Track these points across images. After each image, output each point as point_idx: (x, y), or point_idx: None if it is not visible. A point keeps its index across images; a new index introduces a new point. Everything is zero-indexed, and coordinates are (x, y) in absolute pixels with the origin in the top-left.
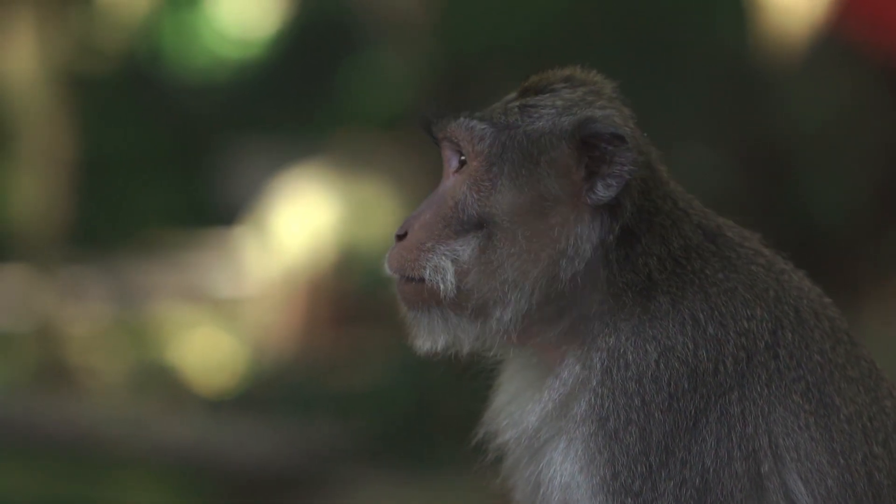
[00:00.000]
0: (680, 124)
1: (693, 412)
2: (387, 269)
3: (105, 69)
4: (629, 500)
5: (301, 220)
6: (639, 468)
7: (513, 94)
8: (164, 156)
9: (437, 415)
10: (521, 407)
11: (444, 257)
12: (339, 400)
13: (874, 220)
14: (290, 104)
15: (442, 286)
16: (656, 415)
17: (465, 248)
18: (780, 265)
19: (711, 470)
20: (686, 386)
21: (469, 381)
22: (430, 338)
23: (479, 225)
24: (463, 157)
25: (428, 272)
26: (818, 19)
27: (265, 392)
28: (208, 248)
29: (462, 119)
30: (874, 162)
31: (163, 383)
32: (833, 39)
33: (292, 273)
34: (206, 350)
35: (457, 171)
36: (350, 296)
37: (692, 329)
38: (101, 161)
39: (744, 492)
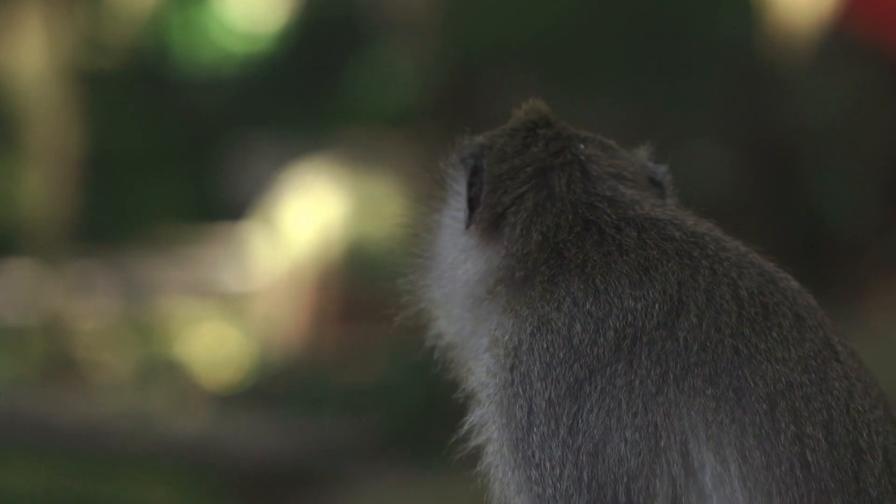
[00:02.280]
0: (688, 122)
1: (573, 381)
2: None
3: (112, 65)
4: (533, 471)
5: (308, 216)
6: (533, 438)
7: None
8: (172, 151)
9: (444, 410)
10: None
11: None
12: (347, 395)
13: (882, 217)
14: (297, 99)
15: None
16: (536, 384)
17: None
18: (718, 252)
19: (600, 437)
20: (562, 355)
21: None
22: None
23: None
24: None
25: None
26: (825, 16)
27: (272, 387)
28: (216, 243)
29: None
30: (882, 159)
31: (170, 378)
32: (840, 36)
33: (300, 268)
34: (214, 345)
35: None
36: (357, 291)
37: (569, 306)
38: (109, 156)
39: (640, 457)
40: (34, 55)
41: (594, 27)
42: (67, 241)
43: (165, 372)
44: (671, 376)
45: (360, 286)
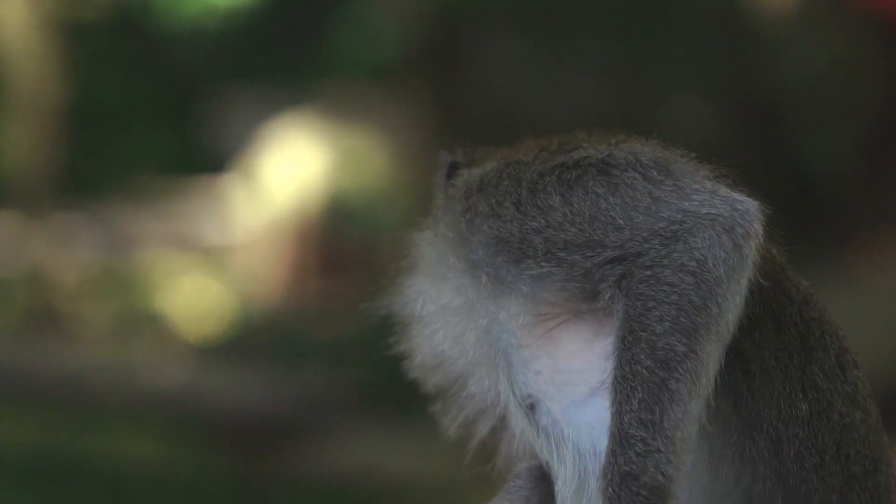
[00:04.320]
0: (672, 77)
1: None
2: None
3: (95, 16)
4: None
5: (290, 169)
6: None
7: None
8: (154, 103)
9: None
10: None
11: None
12: (328, 348)
13: (865, 171)
14: (279, 53)
15: None
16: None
17: None
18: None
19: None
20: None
21: None
22: None
23: None
24: None
25: None
26: None
27: (253, 340)
28: (197, 196)
29: None
30: (865, 113)
31: (151, 331)
32: None
33: (281, 221)
34: (195, 298)
35: None
36: (339, 244)
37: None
38: (91, 108)
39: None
40: (17, 6)
41: None
42: (49, 194)
43: (147, 324)
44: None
45: (341, 239)
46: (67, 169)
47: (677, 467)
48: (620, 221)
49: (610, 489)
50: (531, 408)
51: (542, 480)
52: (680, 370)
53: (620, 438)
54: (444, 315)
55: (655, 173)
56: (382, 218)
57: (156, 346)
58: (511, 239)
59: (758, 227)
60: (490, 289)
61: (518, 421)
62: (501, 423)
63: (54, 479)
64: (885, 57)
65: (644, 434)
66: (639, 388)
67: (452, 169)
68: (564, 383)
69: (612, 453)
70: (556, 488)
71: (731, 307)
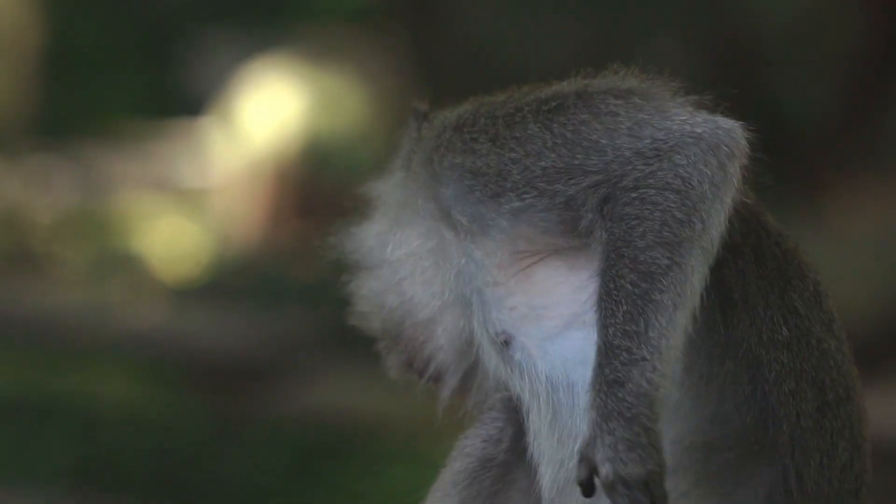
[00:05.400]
0: (649, 21)
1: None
2: None
3: None
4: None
5: (267, 111)
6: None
7: None
8: (132, 46)
9: None
10: None
11: None
12: (305, 289)
13: (841, 116)
14: None
15: None
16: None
17: None
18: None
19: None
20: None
21: None
22: None
23: None
24: None
25: None
26: None
27: (230, 281)
28: (174, 139)
29: None
30: (842, 58)
31: (127, 272)
32: None
33: (258, 163)
34: (172, 239)
35: None
36: (316, 186)
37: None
38: (68, 51)
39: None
40: None
41: None
42: (27, 136)
43: (124, 266)
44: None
45: (318, 181)
46: (45, 111)
47: (664, 375)
48: (603, 143)
49: (597, 398)
50: (505, 344)
51: (516, 412)
52: (664, 281)
53: (606, 350)
54: (415, 259)
55: (637, 98)
56: (359, 160)
57: (132, 287)
58: (487, 173)
59: (743, 146)
60: (466, 229)
61: (491, 359)
62: (471, 368)
63: (30, 419)
64: (863, 1)
65: (629, 344)
66: (623, 301)
67: (424, 119)
68: (538, 318)
69: (599, 365)
70: (529, 423)
71: (716, 224)
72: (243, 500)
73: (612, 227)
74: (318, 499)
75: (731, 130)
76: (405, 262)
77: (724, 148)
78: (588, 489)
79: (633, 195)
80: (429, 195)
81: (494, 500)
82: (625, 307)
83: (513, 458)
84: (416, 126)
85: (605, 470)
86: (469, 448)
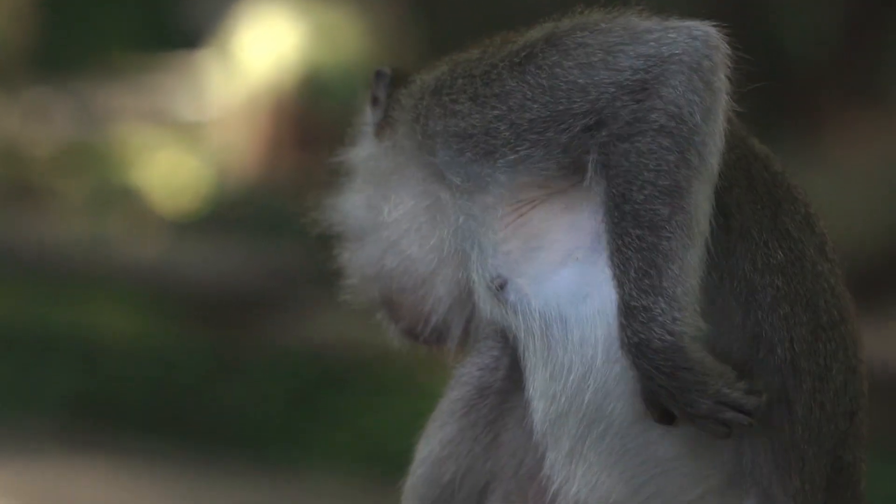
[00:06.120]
0: None
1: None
2: None
3: None
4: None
5: (265, 43)
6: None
7: None
8: None
9: None
10: None
11: None
12: (303, 221)
13: (842, 48)
14: None
15: None
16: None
17: None
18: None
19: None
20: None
21: None
22: None
23: None
24: None
25: None
26: None
27: (229, 214)
28: (172, 71)
29: None
30: None
31: (126, 205)
32: None
33: (256, 96)
34: (170, 172)
35: None
36: (313, 118)
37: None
38: None
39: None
40: None
41: None
42: (24, 69)
43: (122, 198)
44: None
45: (315, 113)
46: (43, 45)
47: (684, 320)
48: (581, 81)
49: (631, 362)
50: (500, 288)
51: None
52: (668, 228)
53: (625, 311)
54: (411, 217)
55: (603, 24)
56: (357, 92)
57: (131, 220)
58: (474, 133)
59: (722, 51)
60: (463, 187)
61: (486, 305)
62: (472, 319)
63: (30, 351)
64: None
65: (644, 302)
66: (633, 258)
67: (390, 80)
68: (532, 258)
69: (621, 327)
70: (524, 361)
71: (713, 150)
72: (243, 430)
73: (610, 181)
74: (318, 429)
75: (707, 37)
76: (401, 221)
77: (707, 62)
78: (668, 419)
79: (627, 146)
80: (419, 163)
81: (492, 427)
82: (636, 263)
83: (509, 385)
84: (379, 90)
85: (678, 413)
86: (466, 377)
